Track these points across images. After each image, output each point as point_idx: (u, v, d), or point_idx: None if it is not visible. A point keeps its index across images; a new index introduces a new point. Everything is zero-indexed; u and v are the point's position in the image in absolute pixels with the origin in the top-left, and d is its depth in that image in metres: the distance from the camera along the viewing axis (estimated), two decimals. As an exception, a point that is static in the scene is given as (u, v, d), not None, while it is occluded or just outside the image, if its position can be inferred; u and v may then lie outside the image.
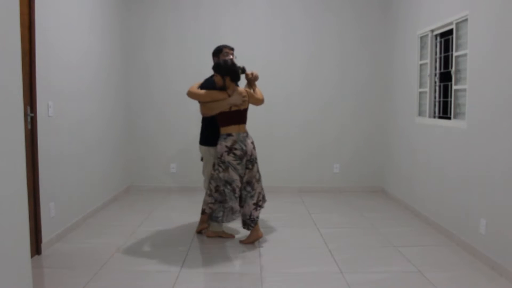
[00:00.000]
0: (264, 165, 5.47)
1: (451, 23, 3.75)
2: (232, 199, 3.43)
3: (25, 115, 3.01)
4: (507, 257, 2.84)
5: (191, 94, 3.51)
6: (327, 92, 5.51)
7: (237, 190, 3.43)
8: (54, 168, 3.49)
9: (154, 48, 5.47)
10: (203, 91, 3.48)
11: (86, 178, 4.15)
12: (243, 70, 3.52)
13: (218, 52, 3.74)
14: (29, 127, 3.09)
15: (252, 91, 3.60)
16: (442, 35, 4.06)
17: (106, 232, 3.82)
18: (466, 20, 3.47)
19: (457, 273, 2.97)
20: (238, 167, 3.40)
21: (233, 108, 3.43)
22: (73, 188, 3.87)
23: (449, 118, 3.83)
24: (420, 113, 4.43)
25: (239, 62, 3.64)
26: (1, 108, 1.84)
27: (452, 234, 3.60)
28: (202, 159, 3.78)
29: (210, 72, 5.49)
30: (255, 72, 3.64)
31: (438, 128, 3.96)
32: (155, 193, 5.41)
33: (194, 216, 4.36)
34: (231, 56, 3.72)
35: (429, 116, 4.23)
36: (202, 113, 3.56)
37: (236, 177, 3.40)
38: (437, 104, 4.19)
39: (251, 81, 3.64)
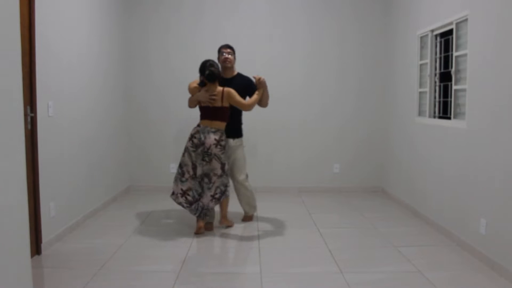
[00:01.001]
0: (264, 165, 5.51)
1: (451, 23, 3.75)
2: (176, 180, 3.77)
3: (25, 115, 3.02)
4: (507, 257, 2.84)
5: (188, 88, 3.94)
6: (327, 92, 5.52)
7: (186, 175, 3.73)
8: (54, 168, 3.49)
9: (154, 49, 5.47)
10: (191, 85, 3.89)
11: (86, 178, 4.15)
12: (211, 72, 3.70)
13: (218, 51, 4.02)
14: (29, 127, 3.09)
15: (234, 93, 3.77)
16: (442, 35, 4.06)
17: (106, 232, 3.82)
18: (466, 20, 3.47)
19: (457, 273, 2.97)
20: (193, 154, 3.71)
21: (203, 104, 3.78)
22: (73, 188, 3.87)
23: (449, 118, 3.83)
24: (420, 113, 4.43)
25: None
26: (1, 108, 1.84)
27: (452, 234, 3.60)
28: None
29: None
30: (262, 78, 3.85)
31: (438, 128, 3.96)
32: (155, 193, 5.41)
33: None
34: (225, 55, 3.96)
35: (429, 116, 4.23)
36: (188, 105, 3.96)
37: (188, 162, 3.73)
38: (437, 104, 4.19)
39: (257, 86, 3.88)
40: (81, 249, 3.39)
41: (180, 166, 3.77)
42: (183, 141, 5.49)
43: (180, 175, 3.75)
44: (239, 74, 4.06)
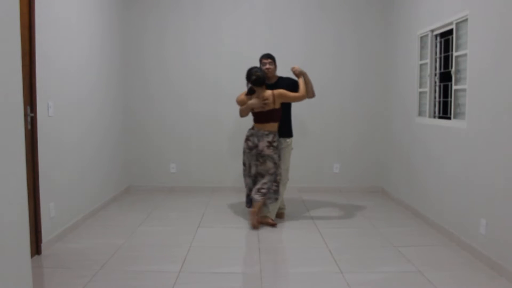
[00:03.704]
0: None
1: (451, 23, 3.75)
2: (245, 175, 4.14)
3: (25, 115, 3.02)
4: (507, 257, 2.84)
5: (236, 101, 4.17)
6: (326, 92, 5.51)
7: (246, 172, 4.09)
8: (54, 168, 3.49)
9: (154, 49, 5.47)
10: (239, 98, 4.12)
11: (86, 178, 4.15)
12: (255, 78, 3.91)
13: (260, 61, 4.20)
14: (29, 127, 3.09)
15: (283, 91, 3.97)
16: (442, 35, 4.06)
17: (106, 232, 3.82)
18: (466, 20, 3.47)
19: (457, 273, 2.97)
20: (248, 155, 4.02)
21: (256, 110, 3.98)
22: (73, 188, 3.87)
23: (449, 118, 3.83)
24: (420, 113, 4.43)
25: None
26: (1, 108, 1.84)
27: (452, 234, 3.60)
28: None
29: (209, 72, 5.54)
30: (296, 66, 4.12)
31: (438, 128, 3.96)
32: (155, 193, 5.41)
33: (194, 216, 4.37)
34: (267, 65, 4.12)
35: (429, 116, 4.23)
36: (240, 115, 4.12)
37: (246, 162, 4.08)
38: (437, 104, 4.19)
39: (296, 75, 4.12)
40: (81, 249, 3.39)
41: (243, 163, 4.13)
42: (184, 141, 5.55)
43: (245, 172, 4.14)
44: (280, 78, 4.22)
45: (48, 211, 3.38)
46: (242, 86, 4.21)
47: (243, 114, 4.07)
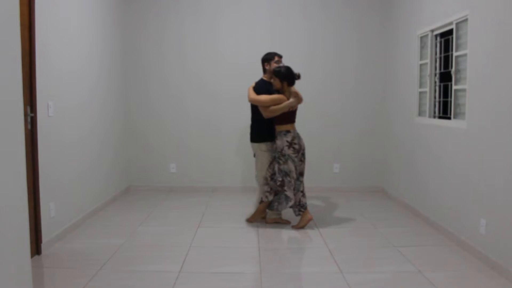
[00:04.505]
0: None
1: (451, 23, 3.75)
2: (290, 188, 3.90)
3: (25, 115, 3.02)
4: (507, 257, 2.84)
5: (254, 101, 3.96)
6: (326, 92, 5.51)
7: (293, 181, 3.91)
8: (54, 168, 3.49)
9: (154, 49, 5.47)
10: (265, 97, 3.90)
11: (86, 178, 4.15)
12: (298, 77, 4.00)
13: (270, 59, 4.11)
14: (29, 127, 3.09)
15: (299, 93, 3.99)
16: (442, 35, 4.06)
17: (106, 232, 3.82)
18: (466, 20, 3.47)
19: (457, 273, 2.97)
20: (296, 159, 3.90)
21: (290, 109, 3.90)
22: (73, 188, 3.87)
23: (449, 118, 3.83)
24: (420, 113, 4.43)
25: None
26: (1, 108, 1.84)
27: (452, 234, 3.60)
28: (254, 155, 4.17)
29: (207, 73, 5.53)
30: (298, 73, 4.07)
31: (438, 128, 3.96)
32: (155, 193, 5.41)
33: (193, 215, 4.37)
34: (281, 64, 4.08)
35: (429, 116, 4.23)
36: (266, 116, 3.91)
37: (293, 168, 3.90)
38: (437, 104, 4.19)
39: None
40: (81, 249, 3.39)
41: (286, 175, 3.89)
42: (183, 141, 5.55)
43: (290, 183, 3.90)
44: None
45: (48, 211, 3.38)
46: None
47: (275, 114, 3.86)
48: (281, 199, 3.96)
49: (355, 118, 5.55)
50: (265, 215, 4.10)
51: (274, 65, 4.05)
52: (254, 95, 3.96)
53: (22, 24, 2.68)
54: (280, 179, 3.90)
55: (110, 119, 4.86)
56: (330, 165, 5.60)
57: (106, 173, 4.74)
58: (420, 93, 4.43)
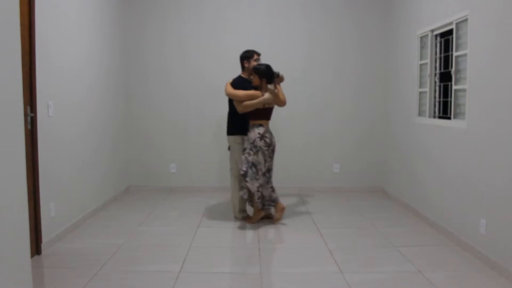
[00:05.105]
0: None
1: (451, 23, 3.75)
2: (251, 180, 3.90)
3: (25, 115, 3.02)
4: (507, 257, 2.84)
5: (231, 95, 4.04)
6: (326, 92, 5.52)
7: (260, 174, 3.94)
8: (54, 168, 3.49)
9: (154, 48, 5.47)
10: (241, 92, 3.98)
11: (86, 178, 4.15)
12: (277, 75, 4.05)
13: (250, 57, 4.19)
14: (29, 127, 3.09)
15: (276, 92, 4.04)
16: (442, 35, 4.06)
17: (106, 232, 3.82)
18: (466, 20, 3.47)
19: (457, 273, 2.97)
20: (266, 152, 3.96)
21: (265, 106, 3.97)
22: (73, 188, 3.87)
23: (449, 118, 3.83)
24: (420, 113, 4.43)
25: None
26: (1, 108, 1.84)
27: (452, 234, 3.61)
28: (229, 148, 4.24)
29: (208, 72, 5.54)
30: (282, 74, 4.13)
31: (438, 128, 3.96)
32: (155, 193, 5.41)
33: (193, 215, 4.37)
34: (259, 61, 4.18)
35: (429, 116, 4.23)
36: (240, 111, 4.00)
37: (262, 161, 3.95)
38: (437, 104, 4.19)
39: (277, 81, 4.10)
40: (81, 249, 3.39)
41: (254, 165, 3.92)
42: (183, 141, 5.55)
43: (255, 173, 3.93)
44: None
45: (48, 211, 3.38)
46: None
47: (249, 109, 3.95)
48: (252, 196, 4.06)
49: (355, 118, 5.55)
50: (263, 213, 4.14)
51: (253, 63, 4.13)
52: (231, 89, 4.03)
53: (22, 24, 2.68)
54: (245, 169, 3.90)
55: (110, 119, 4.86)
56: (330, 165, 5.60)
57: (106, 173, 4.74)
58: (420, 93, 4.43)
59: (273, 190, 4.10)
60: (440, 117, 4.11)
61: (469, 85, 3.40)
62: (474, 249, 3.24)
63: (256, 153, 3.93)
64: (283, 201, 5.01)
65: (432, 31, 4.14)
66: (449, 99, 3.89)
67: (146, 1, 5.42)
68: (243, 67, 4.23)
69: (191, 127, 5.56)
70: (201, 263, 3.15)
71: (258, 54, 4.23)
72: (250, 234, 3.84)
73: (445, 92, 4.04)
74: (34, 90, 3.16)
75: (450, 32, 3.85)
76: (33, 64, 3.14)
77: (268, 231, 3.90)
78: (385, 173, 5.47)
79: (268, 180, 4.07)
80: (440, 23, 3.91)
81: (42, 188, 3.26)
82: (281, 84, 4.17)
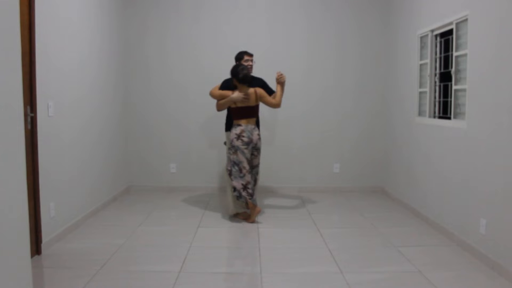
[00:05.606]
0: (264, 165, 5.49)
1: (451, 23, 3.75)
2: (236, 178, 4.05)
3: (25, 115, 3.02)
4: (507, 257, 2.84)
5: (210, 94, 4.25)
6: (326, 92, 5.52)
7: (244, 171, 4.04)
8: (54, 168, 3.49)
9: (154, 48, 5.47)
10: (216, 92, 4.17)
11: (86, 178, 4.15)
12: (244, 76, 4.03)
13: (241, 58, 4.31)
14: (29, 127, 3.09)
15: (264, 92, 4.15)
16: (442, 35, 4.06)
17: (106, 232, 3.82)
18: (466, 20, 3.47)
19: (457, 273, 2.97)
20: (245, 151, 4.03)
21: (239, 104, 4.06)
22: (73, 188, 3.87)
23: (449, 118, 3.83)
24: (420, 113, 4.43)
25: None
26: (1, 108, 1.84)
27: (452, 234, 3.61)
28: (225, 143, 4.37)
29: (207, 72, 5.53)
30: (279, 73, 4.16)
31: (438, 128, 3.96)
32: (155, 193, 5.41)
33: (193, 215, 4.37)
34: (249, 62, 4.29)
35: (429, 116, 4.23)
36: (216, 110, 4.23)
37: (243, 159, 4.04)
38: (437, 104, 4.19)
39: (277, 82, 4.18)
40: (81, 249, 3.39)
41: (235, 164, 4.06)
42: (184, 141, 5.55)
43: (238, 171, 4.05)
44: (253, 77, 4.29)
45: (48, 211, 3.38)
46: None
47: (221, 108, 4.15)
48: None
49: (355, 118, 5.55)
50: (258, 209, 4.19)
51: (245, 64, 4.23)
52: (211, 89, 4.25)
53: (22, 24, 2.68)
54: (229, 168, 4.11)
55: (110, 119, 4.86)
56: (330, 165, 5.60)
57: (106, 173, 4.74)
58: (420, 93, 4.43)
59: (254, 184, 4.17)
60: (440, 117, 4.11)
61: (469, 85, 3.40)
62: (474, 249, 3.24)
63: (235, 153, 4.04)
64: (283, 201, 5.03)
65: (432, 31, 4.14)
66: (449, 99, 3.89)
67: (146, 1, 5.42)
68: None
69: (191, 127, 5.56)
70: (201, 263, 3.15)
71: (250, 55, 4.32)
72: (250, 234, 3.84)
73: (445, 92, 4.04)
74: (34, 90, 3.16)
75: (450, 32, 3.85)
76: (33, 64, 3.14)
77: (268, 231, 3.90)
78: (385, 173, 5.47)
79: (254, 176, 4.18)
80: (440, 23, 3.91)
81: (42, 188, 3.26)
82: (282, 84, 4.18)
